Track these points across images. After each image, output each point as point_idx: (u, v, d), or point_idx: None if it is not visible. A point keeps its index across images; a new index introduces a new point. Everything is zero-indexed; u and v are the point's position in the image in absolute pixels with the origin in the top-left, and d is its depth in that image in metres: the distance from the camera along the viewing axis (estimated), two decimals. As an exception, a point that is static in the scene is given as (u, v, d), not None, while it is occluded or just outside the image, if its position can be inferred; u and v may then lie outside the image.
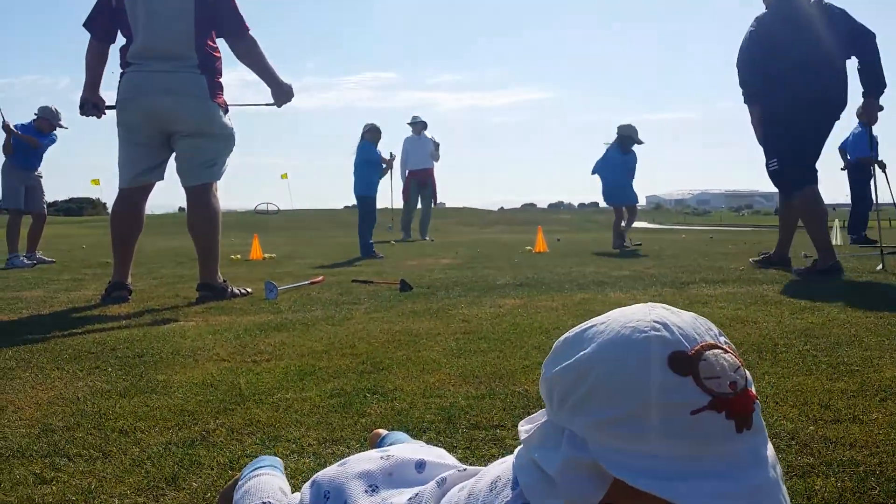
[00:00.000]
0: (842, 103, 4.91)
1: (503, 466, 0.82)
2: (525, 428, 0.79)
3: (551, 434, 0.73)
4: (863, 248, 8.18)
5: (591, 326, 0.74)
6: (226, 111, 4.36)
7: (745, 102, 5.16)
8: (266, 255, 8.38)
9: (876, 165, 7.64)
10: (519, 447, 0.79)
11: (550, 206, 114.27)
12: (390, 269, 6.36)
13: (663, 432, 0.64)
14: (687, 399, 0.65)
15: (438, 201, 14.49)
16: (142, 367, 2.48)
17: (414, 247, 10.46)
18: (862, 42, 4.78)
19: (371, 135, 8.90)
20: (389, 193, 11.87)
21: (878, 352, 2.39)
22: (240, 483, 1.26)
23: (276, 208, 30.03)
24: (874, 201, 9.48)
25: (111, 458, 1.59)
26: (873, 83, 4.82)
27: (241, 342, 2.88)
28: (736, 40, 5.27)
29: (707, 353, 0.67)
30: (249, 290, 4.53)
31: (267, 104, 4.73)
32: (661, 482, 0.63)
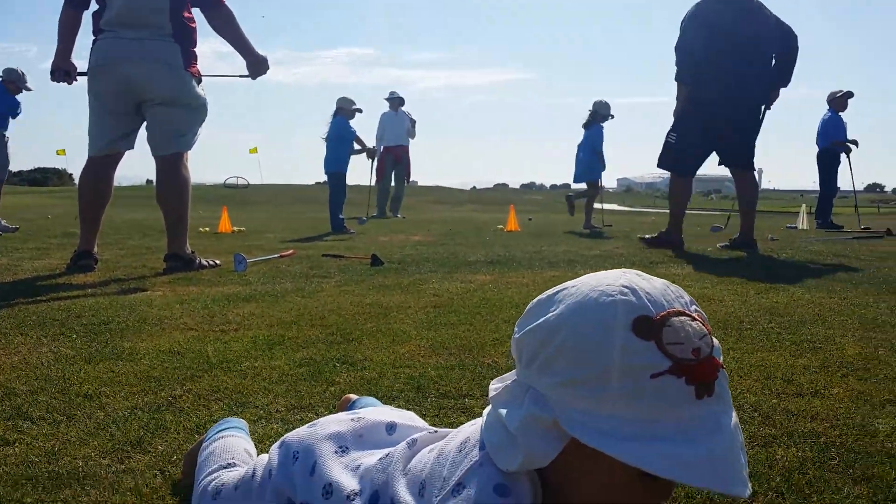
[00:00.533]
0: (766, 93, 5.40)
1: (473, 428, 0.82)
2: (495, 386, 0.79)
3: (517, 393, 0.74)
4: (828, 233, 8.33)
5: (564, 289, 0.75)
6: (199, 81, 4.28)
7: (675, 80, 5.49)
8: (235, 229, 8.30)
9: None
10: (488, 407, 0.80)
11: (523, 186, 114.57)
12: (361, 244, 6.34)
13: (623, 394, 0.65)
14: (647, 363, 0.65)
15: (411, 179, 14.43)
16: (107, 334, 2.45)
17: (386, 223, 10.43)
18: (790, 41, 5.31)
19: (345, 110, 8.80)
20: (370, 174, 11.71)
21: (840, 330, 2.44)
22: (205, 444, 1.25)
23: (245, 182, 29.65)
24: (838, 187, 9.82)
25: (75, 421, 1.57)
26: (786, 78, 5.39)
27: (208, 312, 2.85)
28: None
29: (673, 319, 0.68)
30: (218, 261, 4.48)
31: (242, 76, 4.67)
32: (616, 442, 0.64)
